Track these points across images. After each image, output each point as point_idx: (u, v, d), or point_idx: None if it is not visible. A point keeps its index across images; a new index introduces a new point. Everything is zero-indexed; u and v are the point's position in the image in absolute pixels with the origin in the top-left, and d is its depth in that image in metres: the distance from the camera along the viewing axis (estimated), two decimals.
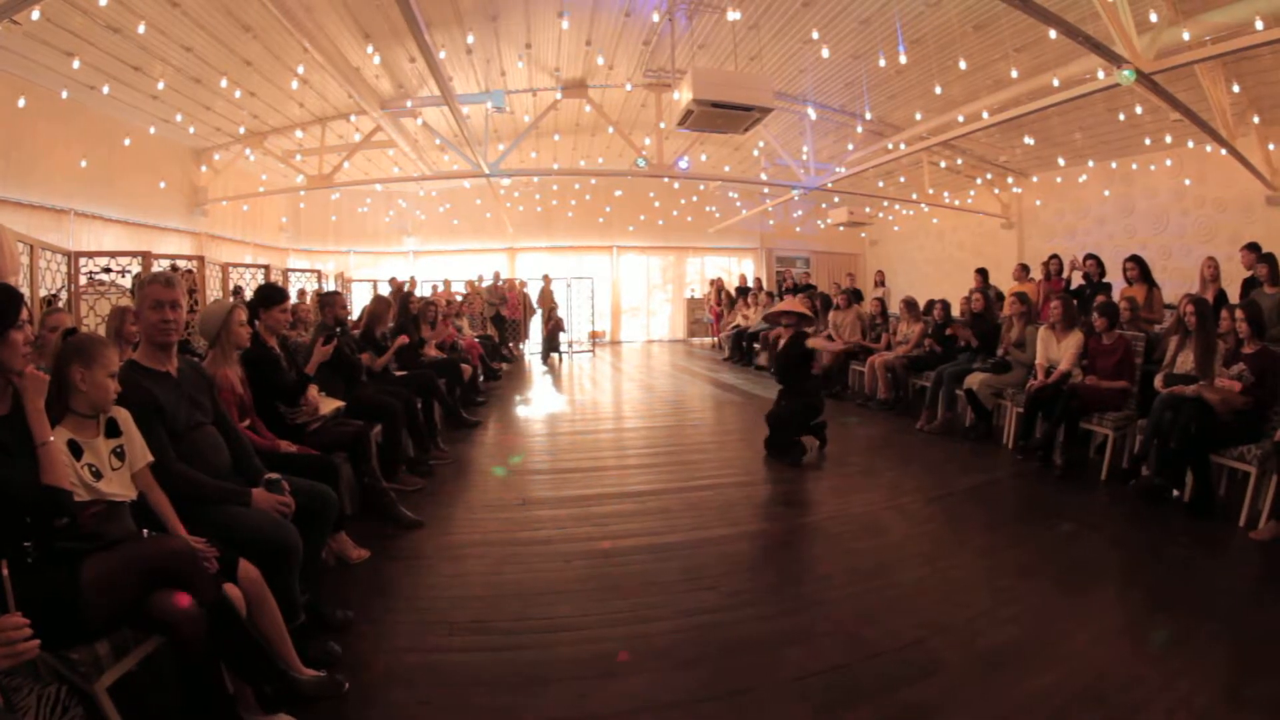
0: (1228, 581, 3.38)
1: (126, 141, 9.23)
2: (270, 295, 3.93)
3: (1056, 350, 5.60)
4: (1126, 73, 5.79)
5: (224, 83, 8.47)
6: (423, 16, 5.72)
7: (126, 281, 7.31)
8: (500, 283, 14.02)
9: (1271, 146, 9.23)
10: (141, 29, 6.67)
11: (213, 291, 8.66)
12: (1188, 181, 10.63)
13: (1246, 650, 2.67)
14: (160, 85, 8.06)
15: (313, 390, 3.93)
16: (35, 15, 5.77)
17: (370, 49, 8.00)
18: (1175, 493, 4.37)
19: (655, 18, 7.78)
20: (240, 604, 2.11)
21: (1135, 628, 2.89)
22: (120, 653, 1.94)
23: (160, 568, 1.97)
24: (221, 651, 1.99)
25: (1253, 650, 2.67)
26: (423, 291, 12.29)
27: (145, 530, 2.23)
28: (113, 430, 2.21)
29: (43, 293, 6.46)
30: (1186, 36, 6.14)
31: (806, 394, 5.68)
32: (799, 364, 5.68)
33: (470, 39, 8.24)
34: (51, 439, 1.93)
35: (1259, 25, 5.38)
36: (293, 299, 5.74)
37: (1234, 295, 6.23)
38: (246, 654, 2.06)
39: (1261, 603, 3.14)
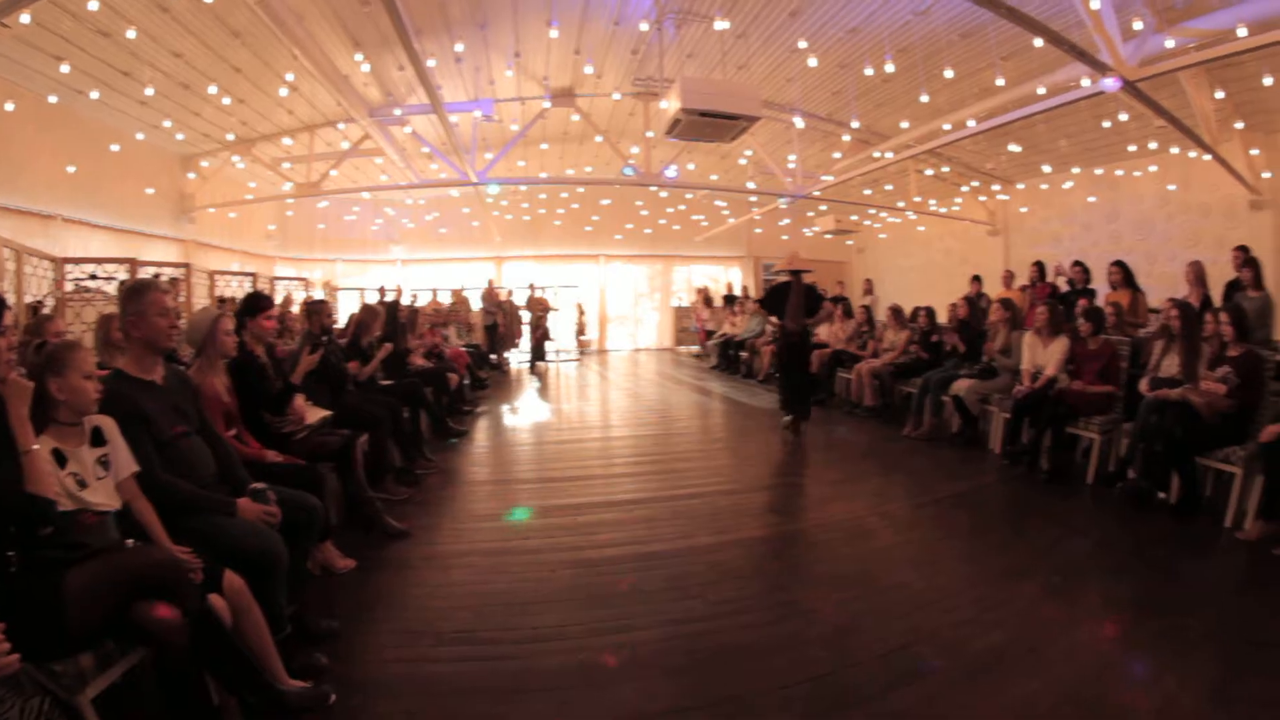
0: (1215, 582, 3.42)
1: (114, 147, 9.19)
2: (256, 303, 3.93)
3: (1043, 355, 5.64)
4: (1110, 80, 5.84)
5: (213, 89, 8.44)
6: (412, 24, 5.72)
7: (112, 288, 7.28)
8: (497, 290, 14.01)
9: (1255, 152, 9.33)
10: (131, 34, 6.66)
11: (199, 299, 8.63)
12: (1172, 187, 10.73)
13: (1234, 649, 2.71)
14: (149, 91, 8.02)
15: (299, 399, 3.92)
16: (25, 19, 5.74)
17: (359, 57, 7.98)
18: (1161, 495, 4.41)
19: (644, 27, 7.79)
20: (225, 614, 2.10)
21: (1123, 629, 2.90)
22: (104, 664, 1.93)
23: (144, 578, 1.97)
24: (206, 662, 1.99)
25: (1240, 649, 2.70)
26: (408, 300, 12.29)
27: (129, 540, 2.22)
28: (98, 439, 2.20)
29: (28, 299, 6.43)
30: (1170, 44, 6.21)
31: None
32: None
33: (459, 47, 8.24)
34: (36, 447, 1.92)
35: (1242, 32, 5.45)
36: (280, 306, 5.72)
37: (1218, 299, 6.30)
38: (231, 665, 2.05)
39: (1248, 602, 3.18)
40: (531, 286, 14.21)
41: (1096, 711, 2.29)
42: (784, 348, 6.87)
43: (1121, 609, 3.14)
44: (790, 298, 6.64)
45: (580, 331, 16.90)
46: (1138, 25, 6.26)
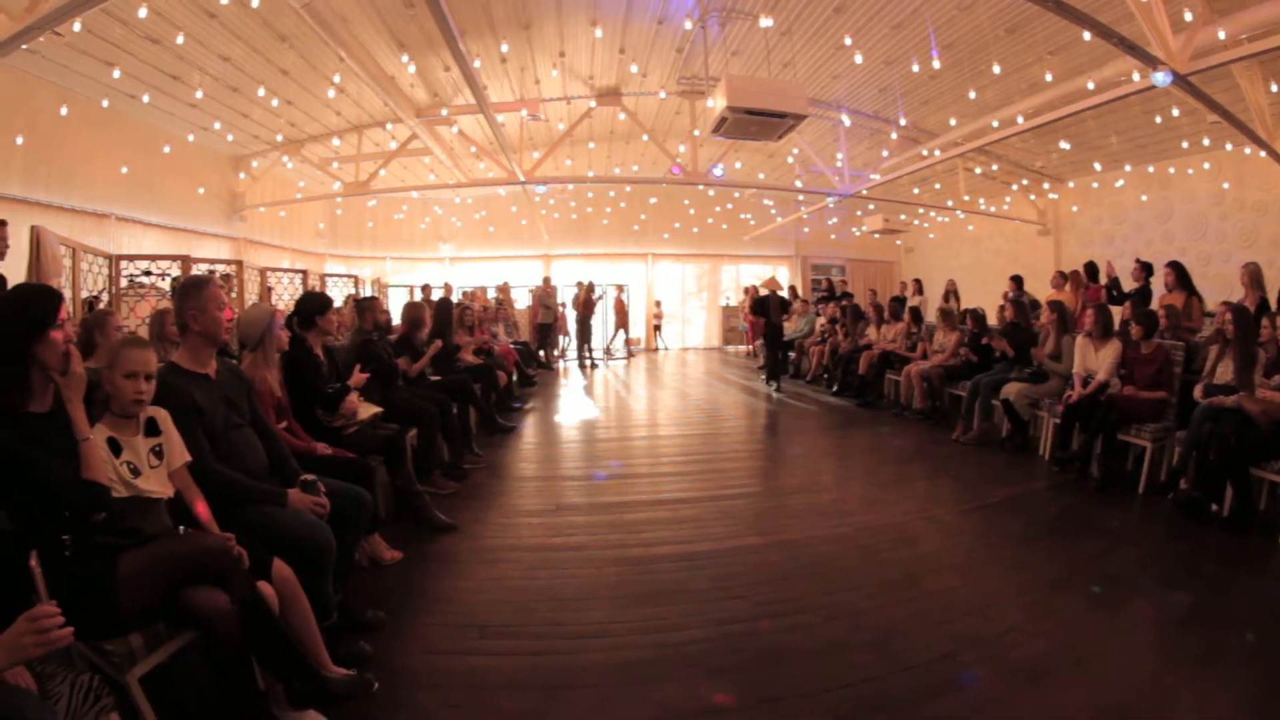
0: (1266, 598, 3.28)
1: (166, 148, 9.47)
2: (322, 301, 4.04)
3: (1094, 360, 5.48)
4: (1161, 74, 5.66)
5: (261, 91, 8.64)
6: (456, 26, 5.78)
7: (166, 284, 7.49)
8: (550, 288, 14.09)
9: None
10: (180, 39, 6.83)
11: (250, 296, 8.84)
12: (1226, 185, 10.39)
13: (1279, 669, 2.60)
14: (199, 94, 8.24)
15: (352, 395, 3.99)
16: (77, 26, 5.93)
17: (405, 58, 8.10)
18: (1214, 506, 4.25)
19: (688, 25, 7.78)
20: (273, 601, 2.14)
21: (1170, 644, 2.82)
22: (153, 645, 1.98)
23: (195, 564, 2.02)
24: (254, 648, 2.02)
25: None
26: (458, 298, 12.38)
27: (181, 528, 2.28)
28: (152, 429, 2.27)
29: (84, 294, 6.64)
30: (1223, 35, 6.00)
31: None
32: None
33: (504, 48, 8.32)
34: (91, 436, 1.98)
35: None
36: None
37: (1275, 302, 6.07)
38: (278, 651, 2.09)
39: None
40: (579, 284, 14.18)
41: None
42: (767, 336, 10.35)
43: (1169, 623, 3.04)
44: (771, 305, 10.11)
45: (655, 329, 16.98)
46: (1188, 16, 6.07)
